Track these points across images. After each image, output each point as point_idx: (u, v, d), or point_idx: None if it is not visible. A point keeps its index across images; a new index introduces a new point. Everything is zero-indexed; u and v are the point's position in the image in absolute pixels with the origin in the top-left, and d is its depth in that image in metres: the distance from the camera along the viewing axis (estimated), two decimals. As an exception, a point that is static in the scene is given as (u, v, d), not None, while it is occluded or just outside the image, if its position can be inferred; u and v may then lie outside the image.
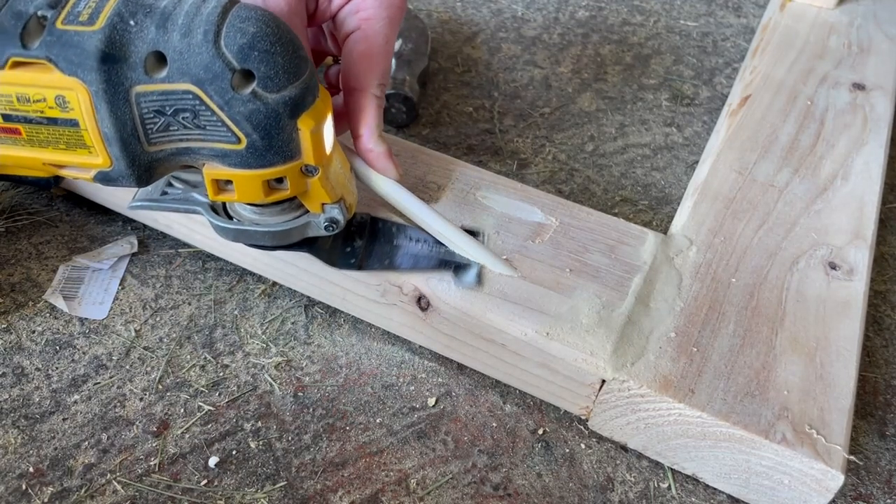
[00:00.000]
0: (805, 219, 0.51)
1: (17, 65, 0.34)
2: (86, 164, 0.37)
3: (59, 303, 0.50)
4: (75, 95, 0.34)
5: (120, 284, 0.52)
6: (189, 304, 0.51)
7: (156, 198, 0.43)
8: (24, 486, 0.41)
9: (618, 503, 0.43)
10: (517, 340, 0.43)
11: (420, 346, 0.49)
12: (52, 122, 0.35)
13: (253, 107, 0.34)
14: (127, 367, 0.47)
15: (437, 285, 0.44)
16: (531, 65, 0.75)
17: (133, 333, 0.49)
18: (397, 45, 0.68)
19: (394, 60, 0.66)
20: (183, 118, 0.35)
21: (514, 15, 0.81)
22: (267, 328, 0.50)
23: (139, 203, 0.43)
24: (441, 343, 0.47)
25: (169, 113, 0.35)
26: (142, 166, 0.37)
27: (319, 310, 0.51)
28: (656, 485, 0.44)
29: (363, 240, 0.46)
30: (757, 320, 0.44)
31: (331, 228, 0.42)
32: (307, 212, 0.42)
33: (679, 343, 0.43)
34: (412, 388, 0.47)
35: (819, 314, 0.45)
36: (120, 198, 0.53)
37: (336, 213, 0.41)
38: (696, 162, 0.64)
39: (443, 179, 0.51)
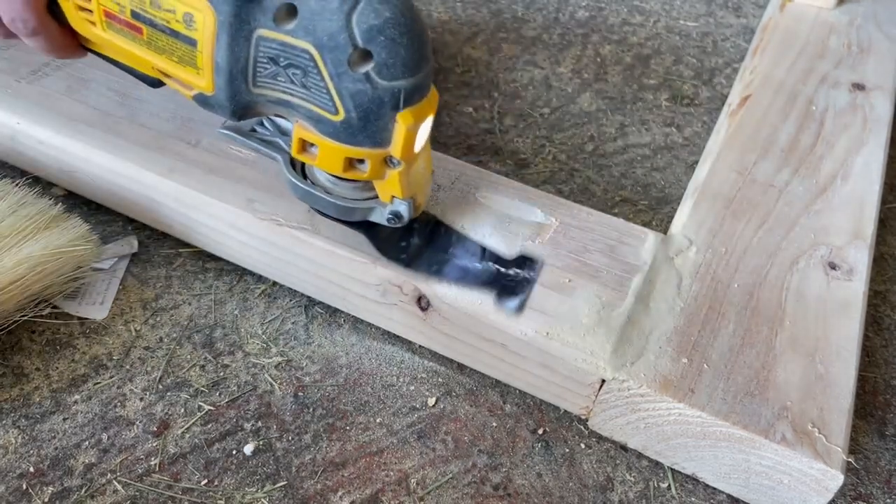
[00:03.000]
0: (805, 219, 0.51)
1: None
2: (190, 82, 0.38)
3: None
4: (203, 18, 0.35)
5: (120, 284, 0.52)
6: (189, 304, 0.51)
7: (245, 131, 0.44)
8: (24, 486, 0.41)
9: (618, 503, 0.43)
10: (517, 340, 0.43)
11: (420, 346, 0.49)
12: (174, 34, 0.36)
13: (361, 87, 0.35)
14: (127, 367, 0.47)
15: (437, 285, 0.44)
16: (531, 65, 0.75)
17: (133, 333, 0.49)
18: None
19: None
20: (292, 73, 0.36)
21: (514, 15, 0.81)
22: (267, 328, 0.50)
23: (228, 131, 0.45)
24: (441, 343, 0.47)
25: (282, 64, 0.35)
26: (240, 103, 0.38)
27: (319, 310, 0.51)
28: (656, 485, 0.44)
29: (421, 240, 0.46)
30: (757, 320, 0.44)
31: (393, 221, 0.42)
32: (376, 197, 0.42)
33: (679, 343, 0.43)
34: (412, 388, 0.47)
35: (819, 314, 0.45)
36: (120, 196, 0.53)
37: (403, 208, 0.41)
38: (696, 162, 0.64)
39: (443, 179, 0.51)
